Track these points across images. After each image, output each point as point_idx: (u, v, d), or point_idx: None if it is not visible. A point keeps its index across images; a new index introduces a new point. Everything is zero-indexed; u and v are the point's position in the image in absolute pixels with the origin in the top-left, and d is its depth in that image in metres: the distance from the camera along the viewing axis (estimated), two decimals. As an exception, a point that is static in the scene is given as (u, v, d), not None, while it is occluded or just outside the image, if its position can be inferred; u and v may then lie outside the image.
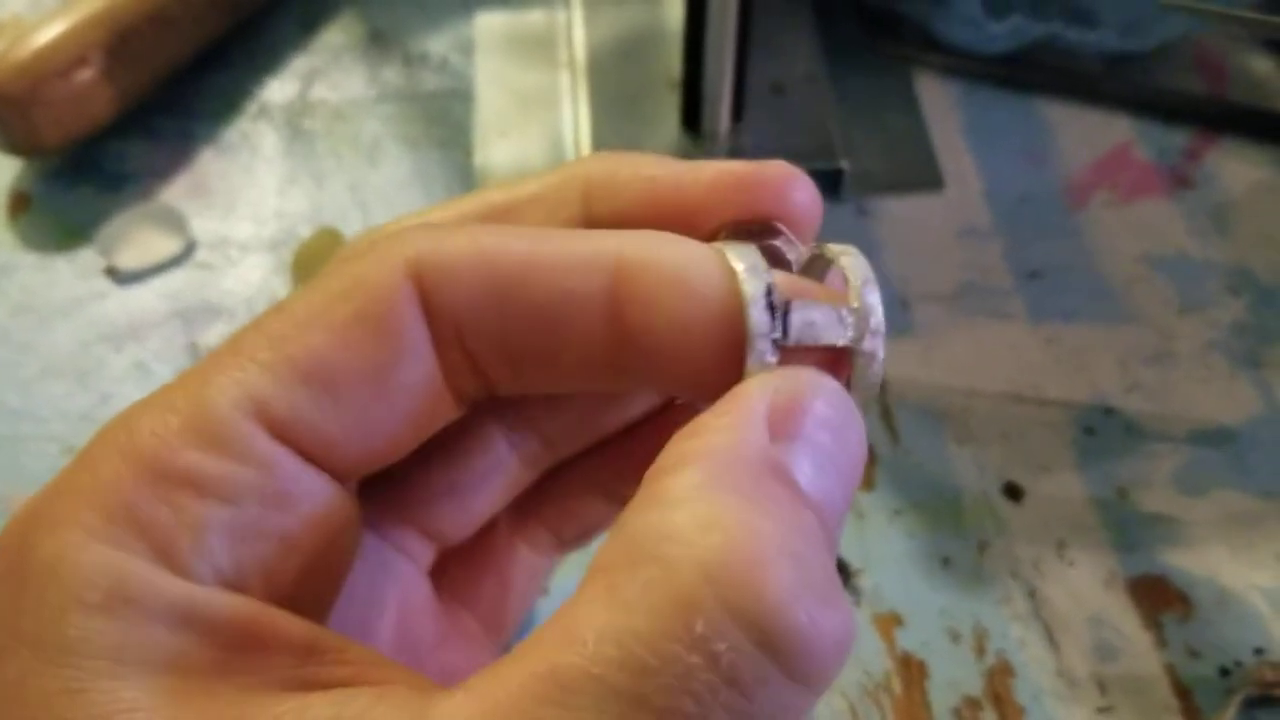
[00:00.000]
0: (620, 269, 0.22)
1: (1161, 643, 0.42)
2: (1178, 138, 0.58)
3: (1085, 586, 0.44)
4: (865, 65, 0.61)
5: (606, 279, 0.22)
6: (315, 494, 0.22)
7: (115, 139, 0.57)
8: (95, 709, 0.18)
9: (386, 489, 0.27)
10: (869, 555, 0.44)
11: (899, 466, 0.47)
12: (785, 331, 0.22)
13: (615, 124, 0.56)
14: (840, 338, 0.22)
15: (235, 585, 0.21)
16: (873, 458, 0.47)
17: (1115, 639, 0.42)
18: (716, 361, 0.22)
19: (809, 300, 0.22)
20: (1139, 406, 0.48)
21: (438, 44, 0.62)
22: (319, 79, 0.61)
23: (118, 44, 0.55)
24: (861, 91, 0.60)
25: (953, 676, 0.42)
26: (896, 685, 0.41)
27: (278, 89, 0.60)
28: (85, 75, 0.54)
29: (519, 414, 0.28)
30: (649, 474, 0.20)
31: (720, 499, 0.18)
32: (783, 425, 0.20)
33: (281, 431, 0.21)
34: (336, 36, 0.63)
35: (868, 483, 0.46)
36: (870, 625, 0.43)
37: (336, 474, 0.22)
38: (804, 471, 0.20)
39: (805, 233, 0.25)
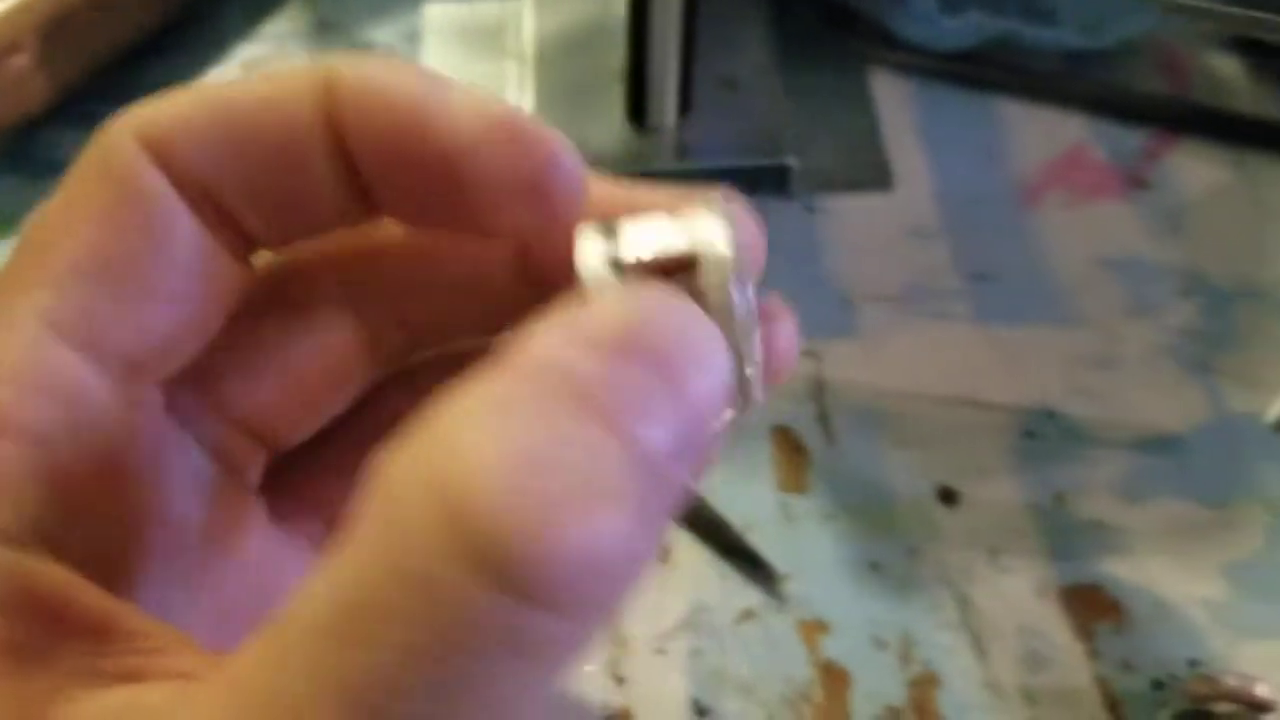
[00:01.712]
0: (329, 89, 0.20)
1: (1093, 654, 0.41)
2: (1136, 138, 0.57)
3: (1017, 595, 0.42)
4: (820, 60, 0.60)
5: (318, 98, 0.20)
6: (105, 410, 0.21)
7: (49, 128, 0.56)
8: None
9: (199, 379, 0.24)
10: (798, 560, 0.43)
11: (834, 469, 0.45)
12: (618, 246, 0.20)
13: (560, 116, 0.55)
14: (687, 244, 0.19)
15: (17, 540, 0.19)
16: (807, 461, 0.46)
17: (1046, 649, 0.41)
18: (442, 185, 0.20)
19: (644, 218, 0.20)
20: (1082, 411, 0.47)
21: (386, 33, 0.61)
22: (261, 69, 0.60)
23: (53, 29, 0.54)
24: (815, 87, 0.59)
25: (876, 686, 0.40)
26: (818, 694, 0.40)
27: (218, 79, 0.59)
28: (18, 62, 0.53)
29: (366, 290, 0.26)
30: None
31: (490, 420, 0.16)
32: (604, 345, 0.17)
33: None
34: (282, 25, 0.62)
35: (800, 486, 0.45)
36: (795, 632, 0.41)
37: (132, 376, 0.21)
38: (619, 399, 0.16)
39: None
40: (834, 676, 0.41)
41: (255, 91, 0.21)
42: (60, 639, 0.19)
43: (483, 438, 0.15)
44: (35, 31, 0.53)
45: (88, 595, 0.19)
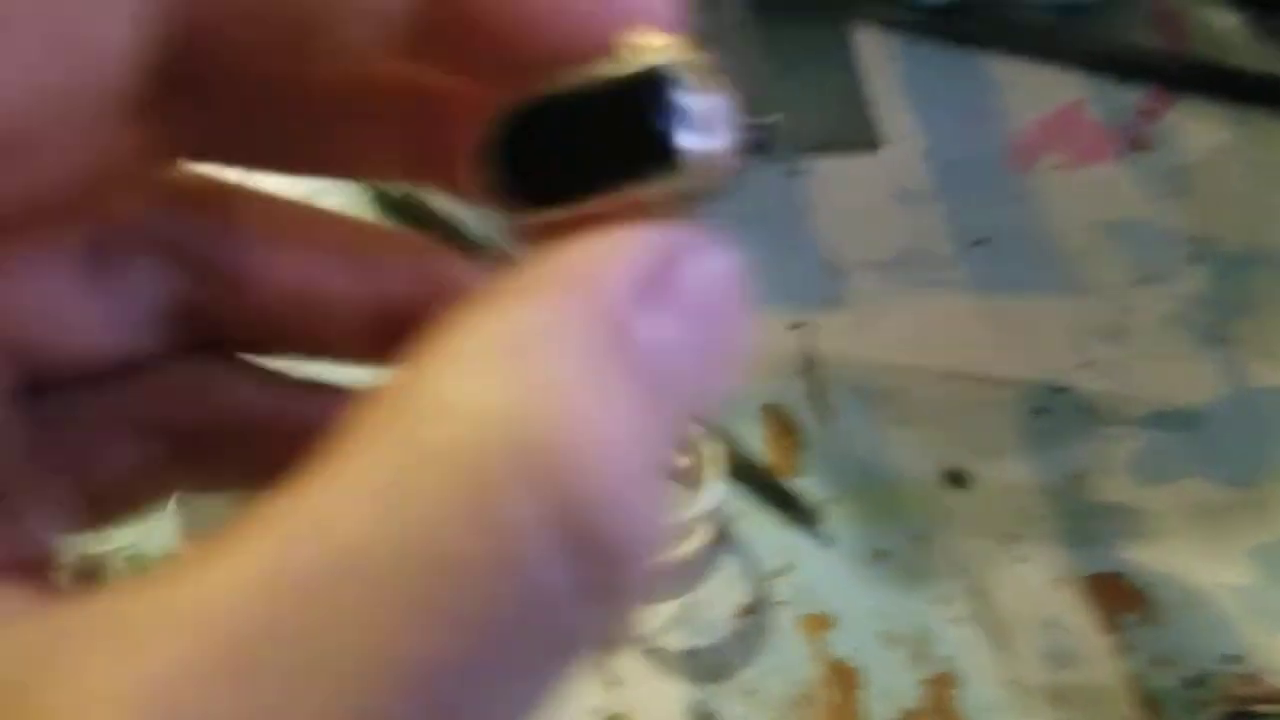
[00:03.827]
0: None
1: (1123, 648, 0.38)
2: (1132, 97, 0.54)
3: (1036, 584, 0.39)
4: (801, 15, 0.56)
5: None
6: None
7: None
8: None
9: None
10: (796, 548, 0.39)
11: (830, 451, 0.42)
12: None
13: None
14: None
15: None
16: (801, 441, 0.42)
17: (1070, 644, 0.38)
18: None
19: None
20: (1093, 385, 0.44)
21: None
22: None
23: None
24: (796, 42, 0.55)
25: (889, 686, 0.37)
26: (826, 695, 0.36)
27: None
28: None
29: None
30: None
31: (548, 360, 0.13)
32: (648, 286, 0.14)
33: None
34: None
35: (793, 469, 0.41)
36: (796, 627, 0.38)
37: None
38: (657, 344, 0.14)
39: None
40: (843, 676, 0.37)
41: None
42: None
43: (573, 398, 0.13)
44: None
45: None
